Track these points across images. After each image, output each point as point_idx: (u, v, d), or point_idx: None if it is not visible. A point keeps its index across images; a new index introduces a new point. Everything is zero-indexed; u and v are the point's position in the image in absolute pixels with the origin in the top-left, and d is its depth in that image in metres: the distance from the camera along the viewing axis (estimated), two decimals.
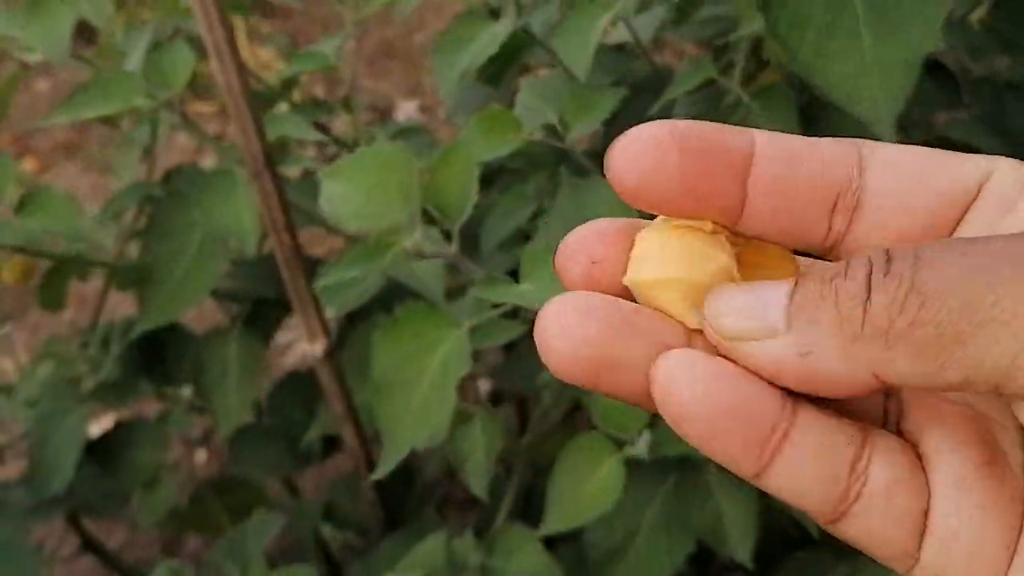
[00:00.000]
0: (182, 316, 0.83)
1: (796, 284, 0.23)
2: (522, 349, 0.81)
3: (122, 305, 1.41)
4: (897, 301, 0.21)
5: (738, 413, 0.23)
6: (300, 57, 0.82)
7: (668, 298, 0.25)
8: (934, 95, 0.79)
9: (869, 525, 0.24)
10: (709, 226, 0.25)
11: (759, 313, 0.23)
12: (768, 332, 0.23)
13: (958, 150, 0.26)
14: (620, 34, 0.72)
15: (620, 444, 0.68)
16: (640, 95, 0.73)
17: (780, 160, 0.25)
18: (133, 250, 0.95)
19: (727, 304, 0.24)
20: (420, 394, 0.66)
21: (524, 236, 0.81)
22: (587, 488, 0.67)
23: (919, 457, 0.25)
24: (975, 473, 0.24)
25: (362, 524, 0.97)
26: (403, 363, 0.66)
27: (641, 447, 0.67)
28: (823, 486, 0.23)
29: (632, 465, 0.68)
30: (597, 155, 0.88)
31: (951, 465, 0.24)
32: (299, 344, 1.54)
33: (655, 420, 0.69)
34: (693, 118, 0.25)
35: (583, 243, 0.25)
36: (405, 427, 0.66)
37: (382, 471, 0.67)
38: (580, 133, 0.71)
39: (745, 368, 0.23)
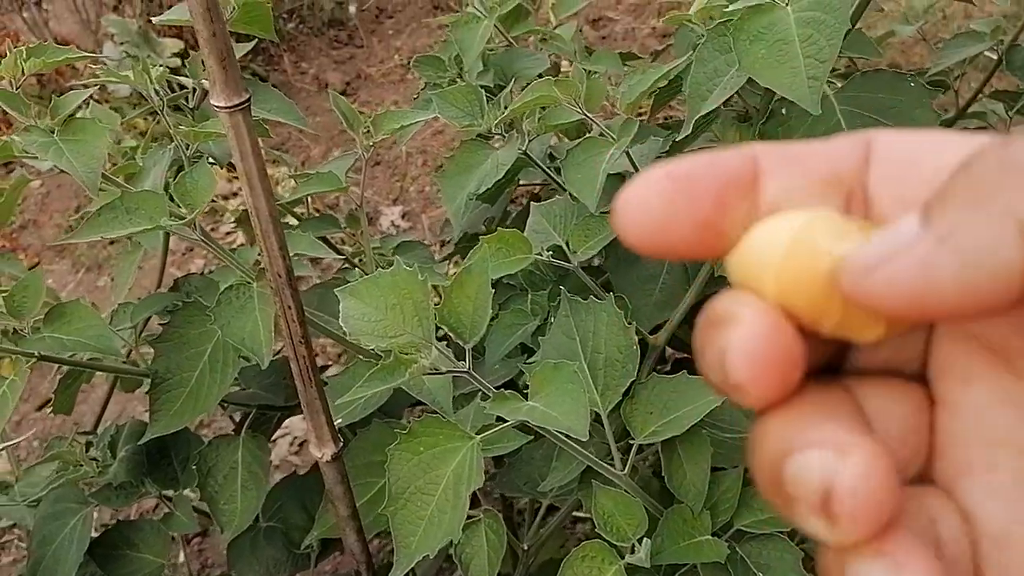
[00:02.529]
0: (192, 422, 0.86)
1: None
2: (522, 455, 0.84)
3: (115, 401, 1.43)
4: None
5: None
6: (312, 179, 0.86)
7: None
8: None
9: None
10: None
11: (891, 237, 0.21)
12: (905, 243, 0.21)
13: None
14: (620, 163, 0.78)
15: (620, 552, 0.72)
16: None
17: (784, 171, 0.24)
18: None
19: (863, 248, 0.22)
20: (434, 503, 0.69)
21: (523, 346, 0.86)
22: None
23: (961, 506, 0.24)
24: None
25: None
26: (418, 473, 0.69)
27: (641, 555, 0.70)
28: None
29: (631, 570, 0.71)
30: (594, 270, 0.94)
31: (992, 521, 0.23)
32: (283, 440, 1.57)
33: (653, 527, 0.73)
34: None
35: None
36: (419, 534, 0.69)
37: None
38: (585, 256, 0.76)
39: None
